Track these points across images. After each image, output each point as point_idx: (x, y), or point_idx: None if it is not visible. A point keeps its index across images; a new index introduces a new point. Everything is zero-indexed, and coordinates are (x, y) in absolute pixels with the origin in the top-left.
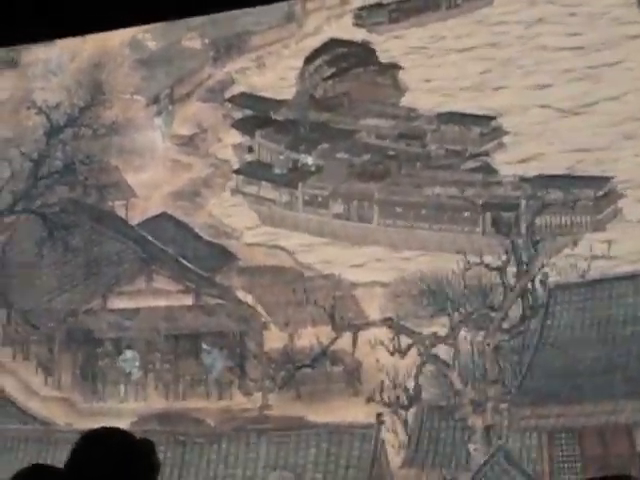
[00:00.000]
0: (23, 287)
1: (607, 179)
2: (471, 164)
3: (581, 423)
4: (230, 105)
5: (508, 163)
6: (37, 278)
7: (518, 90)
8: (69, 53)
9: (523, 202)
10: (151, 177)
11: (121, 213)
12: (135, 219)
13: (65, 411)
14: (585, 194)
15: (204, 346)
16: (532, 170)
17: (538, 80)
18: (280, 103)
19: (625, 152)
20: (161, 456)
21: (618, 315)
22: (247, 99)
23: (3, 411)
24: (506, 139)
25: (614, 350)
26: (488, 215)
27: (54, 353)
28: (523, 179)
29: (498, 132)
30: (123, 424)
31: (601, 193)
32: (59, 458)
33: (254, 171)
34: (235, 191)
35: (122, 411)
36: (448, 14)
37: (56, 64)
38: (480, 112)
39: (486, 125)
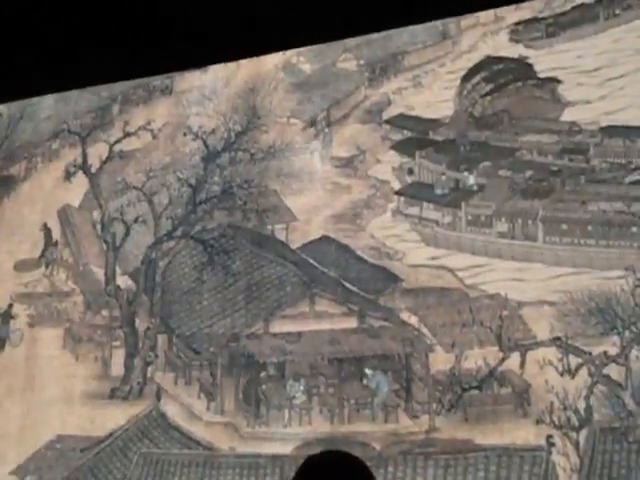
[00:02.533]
0: (184, 312)
1: None
2: (636, 176)
3: None
4: (388, 127)
5: None
6: (198, 303)
7: None
8: (223, 79)
9: None
10: (310, 200)
11: (281, 237)
12: (296, 243)
13: (228, 435)
14: None
15: (367, 370)
16: None
17: None
18: (438, 123)
19: None
20: None
21: None
22: (405, 120)
23: (167, 436)
24: None
25: None
26: None
27: (216, 378)
28: None
29: None
30: (287, 449)
31: None
32: None
33: (415, 192)
34: (397, 212)
35: (286, 436)
36: (607, 25)
37: (210, 90)
38: None
39: None
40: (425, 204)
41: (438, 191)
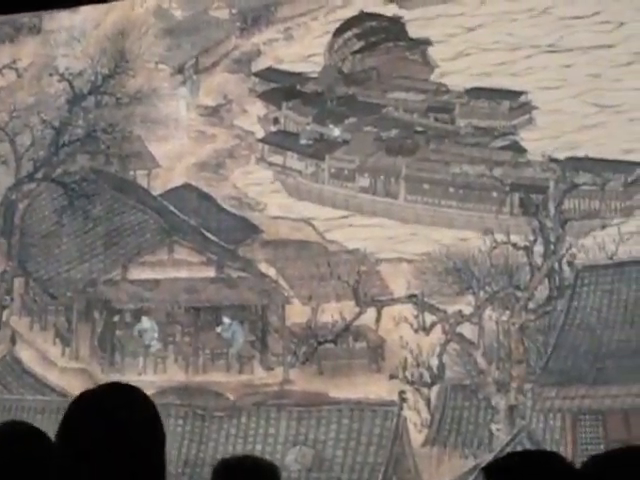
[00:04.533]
0: (42, 256)
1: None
2: (500, 142)
3: (606, 405)
4: (256, 79)
5: (537, 140)
6: (56, 247)
7: (545, 68)
8: (93, 20)
9: (552, 184)
10: (174, 147)
11: (143, 183)
12: (157, 189)
13: (83, 382)
14: (615, 178)
15: (225, 319)
16: (562, 152)
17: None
18: (307, 76)
19: None
20: (180, 430)
21: None
22: (273, 73)
23: (21, 382)
24: (536, 115)
25: None
26: (516, 196)
27: (72, 323)
28: (552, 160)
29: (527, 107)
30: None
31: (632, 179)
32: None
33: (280, 141)
34: (260, 160)
35: (141, 383)
36: None
37: (80, 31)
38: (511, 87)
39: (515, 100)
40: (289, 154)
41: (303, 141)
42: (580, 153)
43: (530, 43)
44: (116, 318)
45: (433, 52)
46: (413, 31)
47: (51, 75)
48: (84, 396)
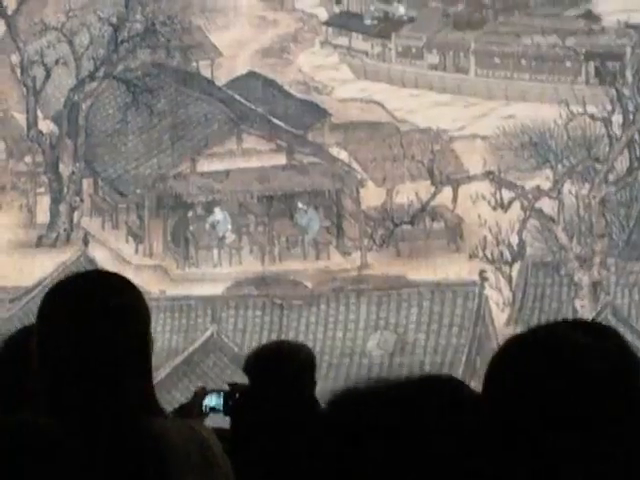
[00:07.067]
0: (109, 155)
1: None
2: (573, 11)
3: None
4: None
5: (611, 6)
6: (123, 145)
7: None
8: None
9: (629, 50)
10: (236, 35)
11: (206, 74)
12: (221, 79)
13: (158, 278)
14: None
15: (299, 206)
16: (638, 16)
17: None
18: None
19: None
20: (258, 320)
21: None
22: None
23: None
24: None
25: None
26: (591, 65)
27: (144, 220)
28: (629, 26)
29: None
30: (218, 289)
31: None
32: (153, 326)
33: (344, 22)
34: (324, 43)
35: (216, 276)
36: None
37: None
38: None
39: None
40: (354, 34)
41: (367, 21)
42: None
43: None
44: (189, 212)
45: None
46: None
47: None
48: (61, 281)
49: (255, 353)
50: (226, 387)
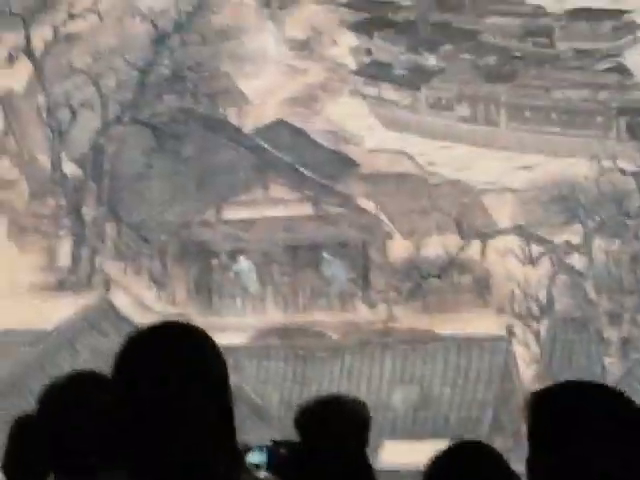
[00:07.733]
0: (133, 199)
1: None
2: (604, 65)
3: None
4: (345, 8)
5: None
6: (147, 190)
7: None
8: None
9: None
10: (264, 83)
11: (234, 121)
12: (249, 127)
13: None
14: None
15: (325, 256)
16: None
17: None
18: (398, 4)
19: None
20: (281, 371)
21: None
22: (363, 2)
23: (116, 328)
24: None
25: None
26: (623, 120)
27: (167, 267)
28: None
29: (631, 27)
30: (241, 339)
31: None
32: None
33: (373, 72)
34: (354, 92)
35: (239, 325)
36: None
37: None
38: (612, 7)
39: (618, 19)
40: (383, 84)
41: (397, 71)
42: None
43: None
44: (213, 260)
45: None
46: None
47: (133, 16)
48: (140, 332)
49: (309, 408)
50: (268, 442)
